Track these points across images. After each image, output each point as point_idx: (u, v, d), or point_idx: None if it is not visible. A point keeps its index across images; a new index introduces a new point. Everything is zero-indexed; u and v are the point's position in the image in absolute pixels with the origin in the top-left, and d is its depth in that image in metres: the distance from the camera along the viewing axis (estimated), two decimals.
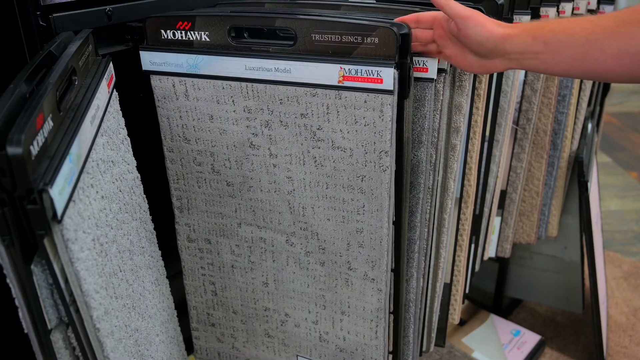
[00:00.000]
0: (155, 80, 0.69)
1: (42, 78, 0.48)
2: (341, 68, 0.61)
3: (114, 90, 0.62)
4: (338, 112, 0.63)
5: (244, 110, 0.67)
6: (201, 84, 0.67)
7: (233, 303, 0.81)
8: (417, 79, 0.67)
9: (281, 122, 0.66)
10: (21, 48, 0.61)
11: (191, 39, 0.66)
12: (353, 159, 0.65)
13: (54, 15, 0.61)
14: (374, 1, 0.78)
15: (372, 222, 0.68)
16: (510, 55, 0.63)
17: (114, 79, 0.62)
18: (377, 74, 0.60)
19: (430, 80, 0.67)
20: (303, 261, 0.74)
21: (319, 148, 0.66)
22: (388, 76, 0.59)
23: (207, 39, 0.66)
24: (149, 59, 0.68)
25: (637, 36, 0.56)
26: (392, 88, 0.60)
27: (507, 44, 0.62)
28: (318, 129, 0.65)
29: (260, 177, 0.70)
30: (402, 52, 0.60)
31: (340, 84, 0.62)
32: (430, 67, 0.67)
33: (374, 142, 0.63)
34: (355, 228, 0.69)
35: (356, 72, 0.61)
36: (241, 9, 0.71)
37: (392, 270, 0.71)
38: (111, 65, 0.61)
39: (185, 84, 0.68)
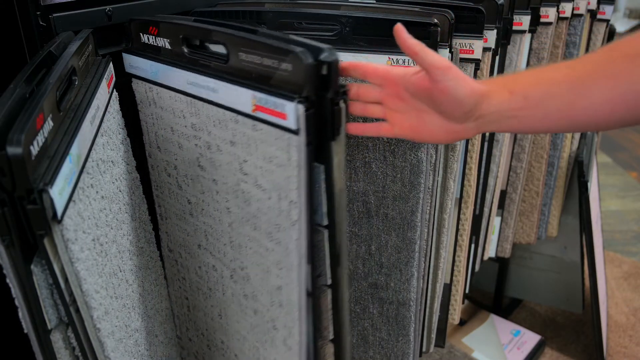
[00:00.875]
0: (134, 84, 0.66)
1: (42, 78, 0.48)
2: (253, 96, 0.51)
3: (114, 90, 0.62)
4: (257, 145, 0.53)
5: (192, 127, 0.61)
6: (162, 93, 0.62)
7: (200, 325, 0.74)
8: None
9: (218, 146, 0.58)
10: (21, 48, 0.61)
11: (158, 45, 0.62)
12: (271, 202, 0.54)
13: (54, 15, 0.61)
14: (374, 1, 0.77)
15: (287, 282, 0.56)
16: (485, 117, 0.54)
17: (114, 79, 0.62)
18: (282, 107, 0.48)
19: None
20: (242, 304, 0.65)
21: (246, 182, 0.56)
22: (290, 112, 0.48)
23: (169, 47, 0.61)
24: (129, 62, 0.65)
25: (626, 74, 0.50)
26: (295, 127, 0.48)
27: (485, 102, 0.54)
28: (244, 161, 0.56)
29: (208, 202, 0.63)
30: (317, 85, 0.47)
31: (254, 114, 0.52)
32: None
33: (286, 188, 0.52)
34: (276, 284, 0.58)
35: (266, 102, 0.50)
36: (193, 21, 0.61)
37: (331, 341, 0.59)
38: (111, 65, 0.61)
39: (152, 91, 0.64)
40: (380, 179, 0.72)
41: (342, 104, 0.48)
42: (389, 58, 0.63)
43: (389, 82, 0.58)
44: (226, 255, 0.64)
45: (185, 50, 0.59)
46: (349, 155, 0.72)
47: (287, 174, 0.50)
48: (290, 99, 0.47)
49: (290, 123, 0.48)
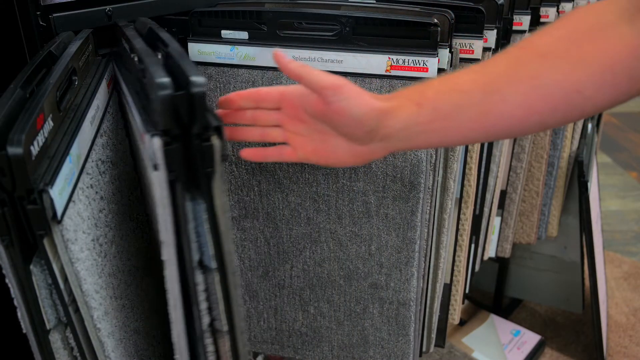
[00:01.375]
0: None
1: (43, 78, 0.48)
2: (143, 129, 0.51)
3: (114, 90, 0.62)
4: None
5: None
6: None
7: None
8: (417, 79, 0.67)
9: None
10: (21, 48, 0.61)
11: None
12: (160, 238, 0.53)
13: (54, 15, 0.61)
14: (374, 1, 0.77)
15: (173, 322, 0.53)
16: (393, 135, 0.50)
17: (113, 79, 0.62)
18: (148, 141, 0.44)
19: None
20: None
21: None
22: (151, 147, 0.43)
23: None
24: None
25: (541, 74, 0.47)
26: (153, 163, 0.43)
27: (390, 119, 0.49)
28: None
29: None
30: (177, 119, 0.43)
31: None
32: (430, 67, 0.65)
33: (161, 227, 0.50)
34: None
35: (141, 136, 0.48)
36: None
37: None
38: (111, 65, 0.61)
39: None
40: (380, 178, 0.72)
41: (214, 140, 0.43)
42: (389, 58, 0.64)
43: (286, 104, 0.54)
44: None
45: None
46: None
47: (158, 211, 0.46)
48: (151, 132, 0.43)
49: (153, 158, 0.44)
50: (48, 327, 0.44)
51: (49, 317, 0.44)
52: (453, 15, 0.68)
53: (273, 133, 0.56)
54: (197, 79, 0.41)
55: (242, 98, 0.54)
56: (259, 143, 0.61)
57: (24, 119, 0.39)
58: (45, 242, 0.41)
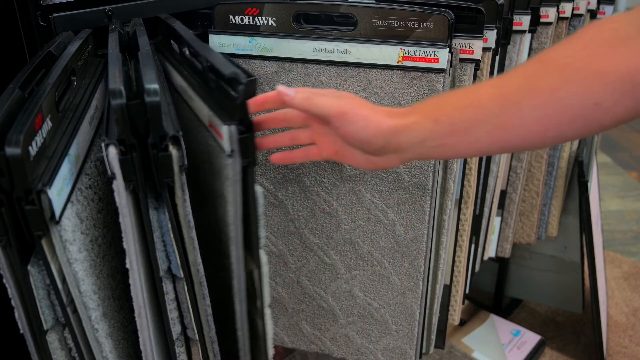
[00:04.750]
0: None
1: (42, 78, 0.48)
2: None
3: None
4: None
5: None
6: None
7: None
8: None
9: None
10: (21, 48, 0.61)
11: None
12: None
13: (54, 15, 0.61)
14: (374, 1, 0.77)
15: (139, 330, 0.53)
16: (407, 149, 0.51)
17: None
18: (106, 151, 0.45)
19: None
20: None
21: None
22: (107, 156, 0.44)
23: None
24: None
25: (560, 86, 0.47)
26: (110, 172, 0.44)
27: (402, 136, 0.51)
28: None
29: None
30: (132, 129, 0.43)
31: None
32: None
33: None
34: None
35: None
36: None
37: None
38: None
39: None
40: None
41: (171, 150, 0.43)
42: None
43: (311, 121, 0.56)
44: None
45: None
46: None
47: (120, 220, 0.45)
48: (106, 142, 0.43)
49: (110, 167, 0.44)
50: (45, 328, 0.44)
51: (46, 317, 0.44)
52: (453, 15, 0.68)
53: (302, 136, 0.58)
54: (152, 87, 0.41)
55: (266, 102, 0.55)
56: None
57: (22, 119, 0.39)
58: (44, 242, 0.41)
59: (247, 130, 0.44)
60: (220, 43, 0.74)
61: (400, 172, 0.71)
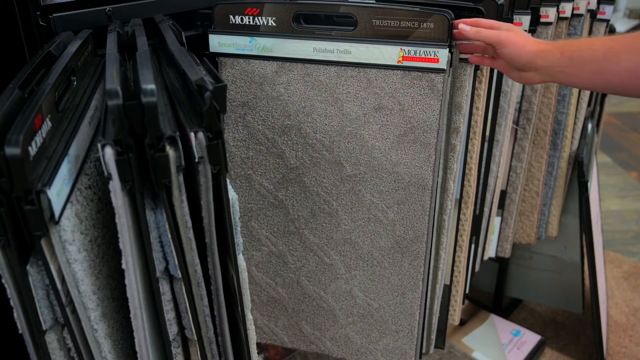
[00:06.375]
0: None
1: (41, 78, 0.48)
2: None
3: None
4: None
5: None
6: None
7: None
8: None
9: None
10: (21, 48, 0.61)
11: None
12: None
13: (54, 15, 0.61)
14: (374, 1, 0.77)
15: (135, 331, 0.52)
16: (541, 69, 0.69)
17: None
18: (103, 152, 0.44)
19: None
20: None
21: None
22: (103, 157, 0.44)
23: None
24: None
25: None
26: (106, 173, 0.43)
27: (539, 59, 0.68)
28: None
29: None
30: (129, 129, 0.42)
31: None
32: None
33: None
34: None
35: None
36: None
37: None
38: None
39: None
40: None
41: (169, 150, 0.42)
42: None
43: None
44: None
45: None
46: None
47: (116, 220, 0.45)
48: (102, 142, 0.42)
49: (106, 168, 0.43)
50: (44, 328, 0.44)
51: (45, 317, 0.43)
52: (453, 15, 0.69)
53: (488, 50, 0.74)
54: (149, 87, 0.40)
55: (458, 35, 0.71)
56: None
57: (22, 120, 0.39)
58: (43, 242, 0.40)
59: (216, 137, 0.43)
60: (220, 43, 0.74)
61: (400, 172, 0.71)
